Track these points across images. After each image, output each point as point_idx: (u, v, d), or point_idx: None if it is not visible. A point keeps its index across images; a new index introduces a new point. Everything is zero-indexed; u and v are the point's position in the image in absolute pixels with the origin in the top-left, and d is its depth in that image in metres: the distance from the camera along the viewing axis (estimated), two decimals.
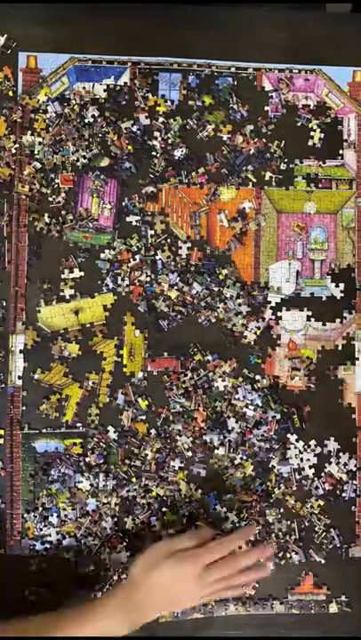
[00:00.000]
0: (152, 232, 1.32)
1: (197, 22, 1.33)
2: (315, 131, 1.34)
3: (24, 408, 1.29)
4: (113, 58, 1.32)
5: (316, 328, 1.33)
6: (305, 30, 1.34)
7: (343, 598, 1.31)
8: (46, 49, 1.31)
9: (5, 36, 1.31)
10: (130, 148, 1.32)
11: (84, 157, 1.31)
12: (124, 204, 1.32)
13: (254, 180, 1.33)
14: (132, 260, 1.31)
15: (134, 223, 1.32)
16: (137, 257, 1.31)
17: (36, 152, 1.31)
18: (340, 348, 1.33)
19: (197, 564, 1.13)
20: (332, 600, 1.31)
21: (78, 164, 1.31)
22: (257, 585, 1.29)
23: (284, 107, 1.34)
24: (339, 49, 1.35)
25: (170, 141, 1.32)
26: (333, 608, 1.31)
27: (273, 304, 1.32)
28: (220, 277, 1.32)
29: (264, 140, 1.33)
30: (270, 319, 1.32)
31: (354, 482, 1.32)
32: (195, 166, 1.33)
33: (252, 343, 1.32)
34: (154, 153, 1.32)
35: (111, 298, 1.31)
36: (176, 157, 1.32)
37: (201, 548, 1.15)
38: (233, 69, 1.34)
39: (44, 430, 1.29)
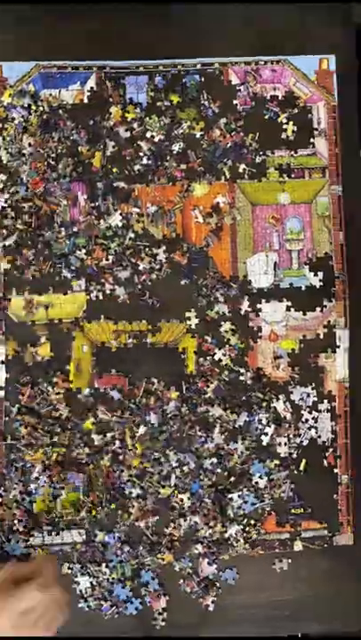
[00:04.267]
0: (131, 235, 1.32)
1: (162, 20, 1.33)
2: (287, 123, 1.34)
3: (6, 419, 1.29)
4: (78, 63, 1.33)
5: (297, 318, 1.33)
6: (270, 22, 1.34)
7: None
8: (8, 56, 1.31)
9: None
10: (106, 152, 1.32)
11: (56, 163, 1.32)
12: (97, 204, 1.32)
13: (228, 175, 1.33)
14: (105, 259, 1.32)
15: (103, 225, 1.32)
16: (110, 258, 1.32)
17: (4, 160, 1.31)
18: (321, 336, 1.33)
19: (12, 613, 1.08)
20: (296, 538, 1.31)
21: (51, 174, 1.32)
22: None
23: (253, 99, 1.34)
24: (303, 39, 1.35)
25: (157, 139, 1.33)
26: (298, 546, 1.31)
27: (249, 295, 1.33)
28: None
29: (241, 133, 1.33)
30: (247, 310, 1.32)
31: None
32: (178, 162, 1.33)
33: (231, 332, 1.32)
34: (141, 153, 1.33)
35: (83, 298, 1.31)
36: (175, 151, 1.32)
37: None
38: (199, 66, 1.34)
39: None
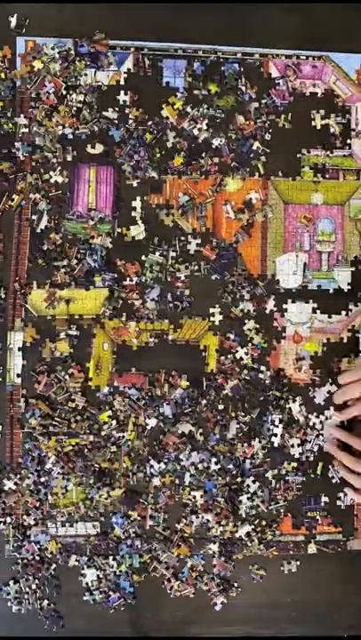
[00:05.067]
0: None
1: (204, 5, 1.28)
2: (328, 118, 1.31)
3: (23, 403, 1.26)
4: (115, 43, 1.28)
5: (322, 320, 1.31)
6: (314, 16, 1.30)
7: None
8: (48, 32, 1.26)
9: (16, 15, 1.25)
10: (148, 136, 1.28)
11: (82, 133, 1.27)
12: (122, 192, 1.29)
13: (262, 171, 1.30)
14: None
15: (133, 214, 1.29)
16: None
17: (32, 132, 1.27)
18: (345, 340, 1.32)
19: None
20: (311, 541, 1.31)
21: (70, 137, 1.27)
22: None
23: (292, 94, 1.31)
24: (347, 37, 1.31)
25: (199, 128, 1.29)
26: (312, 548, 1.31)
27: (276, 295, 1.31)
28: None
29: (271, 117, 1.30)
30: (272, 310, 1.30)
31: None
32: (211, 156, 1.29)
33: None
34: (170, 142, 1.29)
35: (105, 293, 1.28)
36: (214, 146, 1.29)
37: None
38: (239, 55, 1.30)
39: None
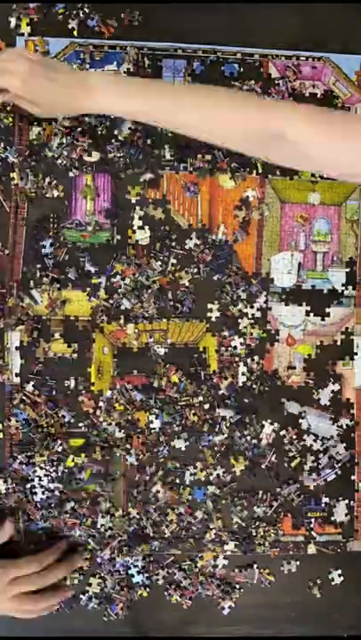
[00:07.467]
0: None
1: (204, 5, 1.28)
2: None
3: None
4: (115, 43, 1.28)
5: (315, 323, 1.32)
6: (315, 16, 1.30)
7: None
8: (48, 32, 1.25)
9: (16, 16, 1.24)
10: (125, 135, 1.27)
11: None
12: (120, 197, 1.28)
13: (260, 169, 1.30)
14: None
15: (135, 222, 1.28)
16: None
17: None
18: (338, 343, 1.32)
19: (1, 578, 1.12)
20: (310, 541, 1.30)
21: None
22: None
23: (291, 95, 1.31)
24: (347, 38, 1.31)
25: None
26: (312, 549, 1.31)
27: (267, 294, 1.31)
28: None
29: None
30: (264, 307, 1.30)
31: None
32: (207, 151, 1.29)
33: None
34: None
35: (103, 294, 1.27)
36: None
37: (9, 561, 1.14)
38: (239, 55, 1.30)
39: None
